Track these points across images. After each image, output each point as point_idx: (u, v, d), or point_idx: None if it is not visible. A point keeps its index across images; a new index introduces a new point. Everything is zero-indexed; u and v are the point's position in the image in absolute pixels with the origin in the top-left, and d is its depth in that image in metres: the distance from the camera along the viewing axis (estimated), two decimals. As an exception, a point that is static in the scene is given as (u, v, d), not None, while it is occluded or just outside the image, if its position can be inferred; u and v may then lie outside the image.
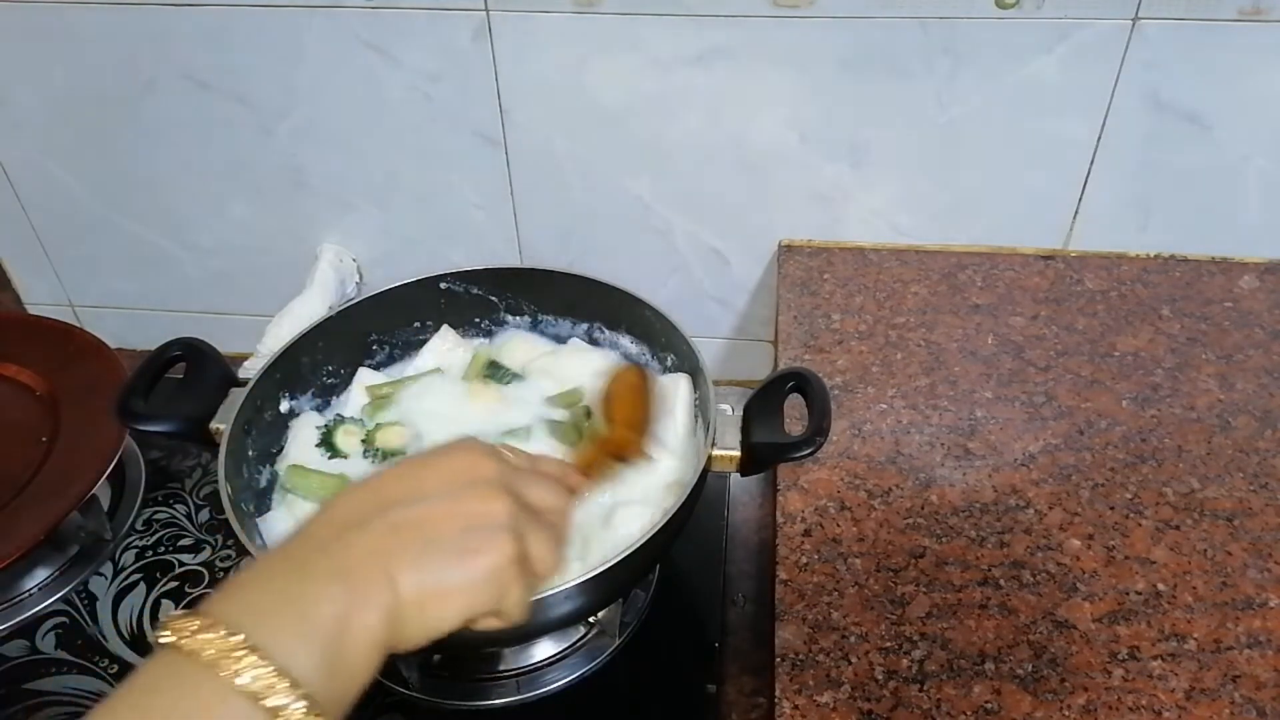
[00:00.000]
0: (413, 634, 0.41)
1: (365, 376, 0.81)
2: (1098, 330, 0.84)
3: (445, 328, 0.83)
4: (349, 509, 0.43)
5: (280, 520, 0.70)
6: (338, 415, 0.77)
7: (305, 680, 0.36)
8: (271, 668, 0.36)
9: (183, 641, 0.36)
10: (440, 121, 0.92)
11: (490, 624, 0.45)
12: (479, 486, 0.44)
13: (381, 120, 0.93)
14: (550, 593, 0.57)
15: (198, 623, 0.37)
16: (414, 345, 0.83)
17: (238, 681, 0.35)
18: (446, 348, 0.82)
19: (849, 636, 0.62)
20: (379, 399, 0.78)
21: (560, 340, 0.84)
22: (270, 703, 0.35)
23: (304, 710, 0.36)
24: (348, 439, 0.75)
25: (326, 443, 0.75)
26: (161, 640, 0.37)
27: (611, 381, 0.66)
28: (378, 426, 0.75)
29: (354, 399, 0.79)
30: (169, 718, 0.35)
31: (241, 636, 0.36)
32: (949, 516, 0.69)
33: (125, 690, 0.36)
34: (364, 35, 0.87)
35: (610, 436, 0.62)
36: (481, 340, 0.85)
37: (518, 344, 0.84)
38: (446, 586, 0.41)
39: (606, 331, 0.82)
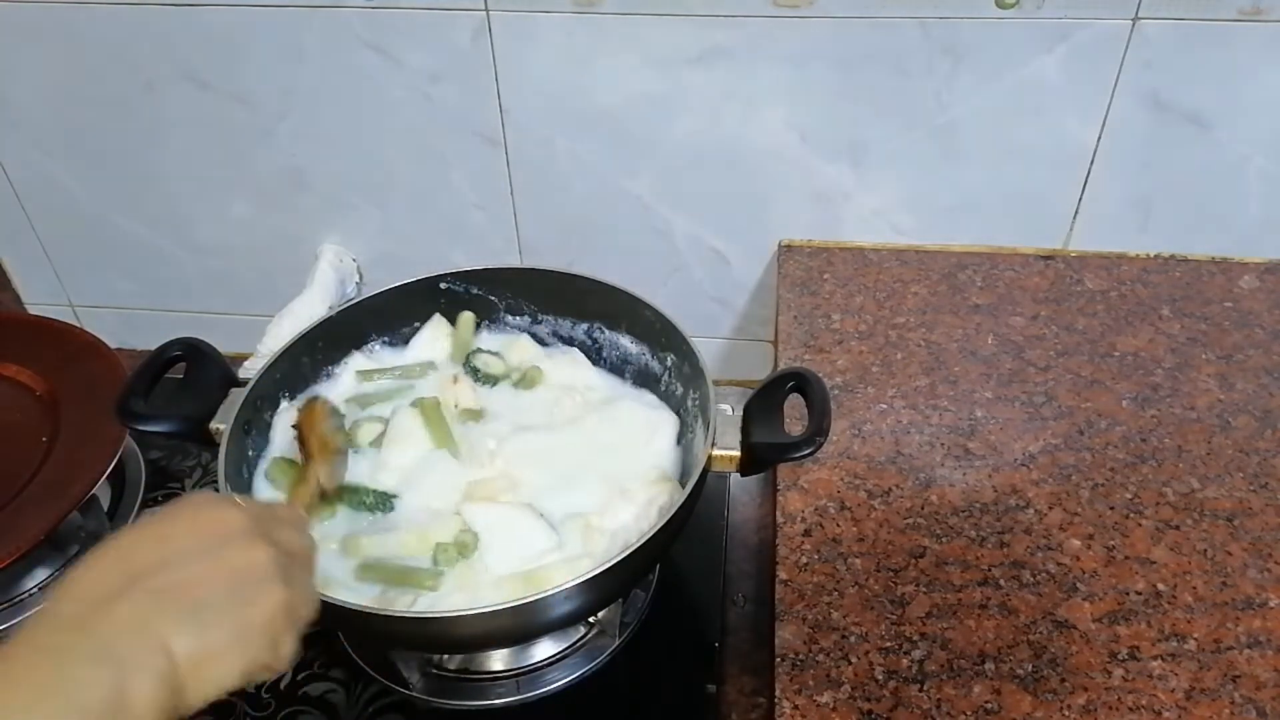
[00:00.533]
0: (194, 696, 0.40)
1: (358, 362, 0.81)
2: (1098, 330, 0.84)
3: (437, 316, 0.83)
4: (99, 583, 0.40)
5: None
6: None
7: None
8: None
9: None
10: (440, 121, 0.92)
11: (261, 676, 0.43)
12: (235, 539, 0.43)
13: (381, 120, 0.93)
14: (551, 592, 0.57)
15: None
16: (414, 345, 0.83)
17: None
18: (439, 336, 0.82)
19: (849, 636, 0.62)
20: (364, 394, 0.79)
21: (566, 342, 0.84)
22: None
23: None
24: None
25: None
26: None
27: (301, 415, 0.65)
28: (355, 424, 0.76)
29: (341, 387, 0.80)
30: None
31: None
32: (949, 516, 0.69)
33: None
34: (364, 35, 0.87)
35: (311, 472, 0.60)
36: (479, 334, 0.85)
37: (509, 343, 0.84)
38: (223, 646, 0.40)
39: (606, 331, 0.82)
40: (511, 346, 0.83)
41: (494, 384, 0.80)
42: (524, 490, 0.71)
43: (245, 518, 0.44)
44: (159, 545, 0.42)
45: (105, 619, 0.38)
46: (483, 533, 0.67)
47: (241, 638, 0.41)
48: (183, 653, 0.39)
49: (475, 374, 0.80)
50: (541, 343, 0.84)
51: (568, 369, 0.81)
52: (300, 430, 0.64)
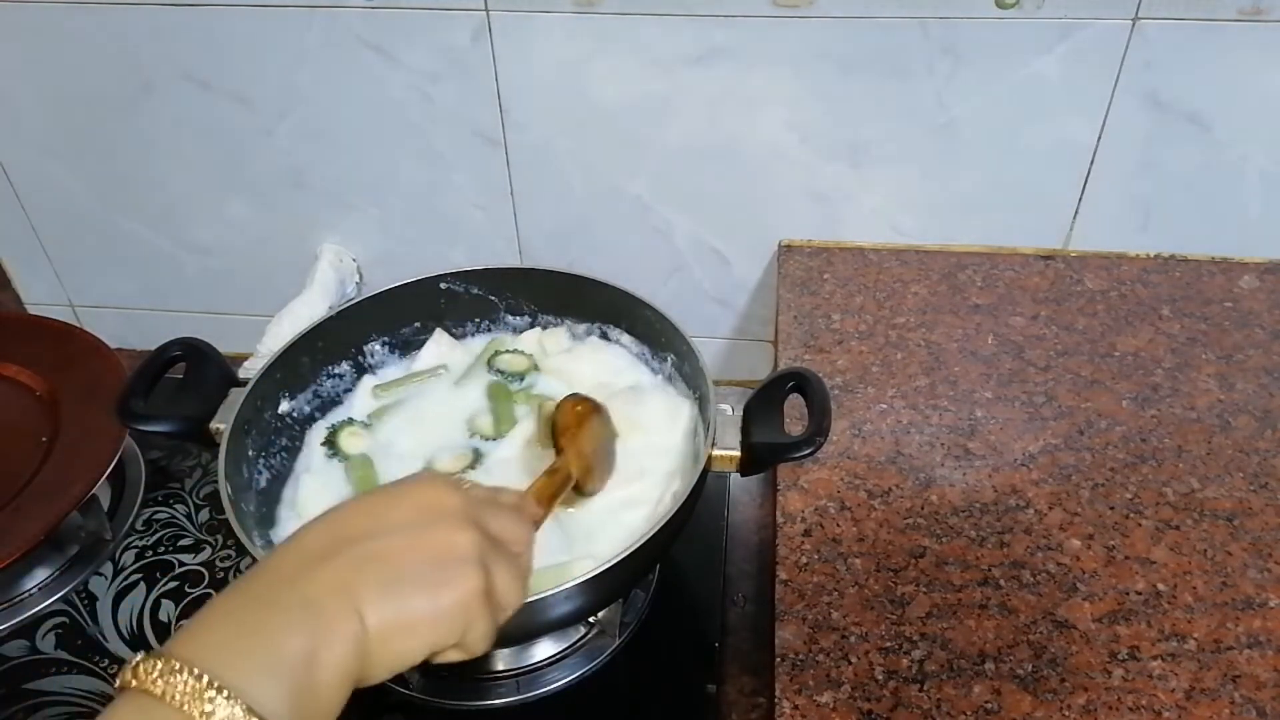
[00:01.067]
0: (379, 666, 0.41)
1: (369, 383, 0.81)
2: (1098, 330, 0.84)
3: (439, 331, 0.83)
4: (313, 543, 0.42)
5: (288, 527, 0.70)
6: (346, 418, 0.78)
7: (275, 715, 0.36)
8: (240, 705, 0.35)
9: (150, 685, 0.36)
10: (440, 121, 0.92)
11: (452, 656, 0.45)
12: (444, 519, 0.44)
13: (381, 120, 0.93)
14: (550, 593, 0.57)
15: (162, 664, 0.36)
16: (414, 345, 0.83)
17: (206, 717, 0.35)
18: (443, 350, 0.82)
19: (849, 636, 0.62)
20: (382, 408, 0.79)
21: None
22: None
23: None
24: (353, 440, 0.76)
25: (330, 444, 0.76)
26: (127, 685, 0.37)
27: (560, 411, 0.66)
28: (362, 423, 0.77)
29: (359, 402, 0.80)
30: None
31: (208, 678, 0.36)
32: (949, 516, 0.69)
33: None
34: (364, 35, 0.87)
35: (562, 466, 0.60)
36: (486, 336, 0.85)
37: (530, 338, 0.84)
38: (414, 620, 0.41)
39: (607, 331, 0.82)
40: (539, 339, 0.83)
41: (520, 380, 0.80)
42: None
43: (461, 500, 0.45)
44: (376, 516, 0.43)
45: (311, 579, 0.40)
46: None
47: (431, 616, 0.42)
48: (374, 621, 0.40)
49: (500, 375, 0.80)
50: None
51: (592, 358, 0.81)
52: (559, 421, 0.64)
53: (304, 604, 0.39)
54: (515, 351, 0.82)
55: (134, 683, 0.36)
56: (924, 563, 0.66)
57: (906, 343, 0.84)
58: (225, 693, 0.36)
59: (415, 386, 0.80)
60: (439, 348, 0.82)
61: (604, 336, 0.83)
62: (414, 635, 0.41)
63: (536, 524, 0.52)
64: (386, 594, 0.41)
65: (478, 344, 0.84)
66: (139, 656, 0.37)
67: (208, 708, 0.35)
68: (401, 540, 0.42)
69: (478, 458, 0.73)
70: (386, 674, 0.41)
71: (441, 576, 0.42)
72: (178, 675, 0.36)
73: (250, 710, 0.36)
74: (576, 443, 0.63)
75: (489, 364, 0.81)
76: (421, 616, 0.41)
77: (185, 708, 0.35)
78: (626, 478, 0.71)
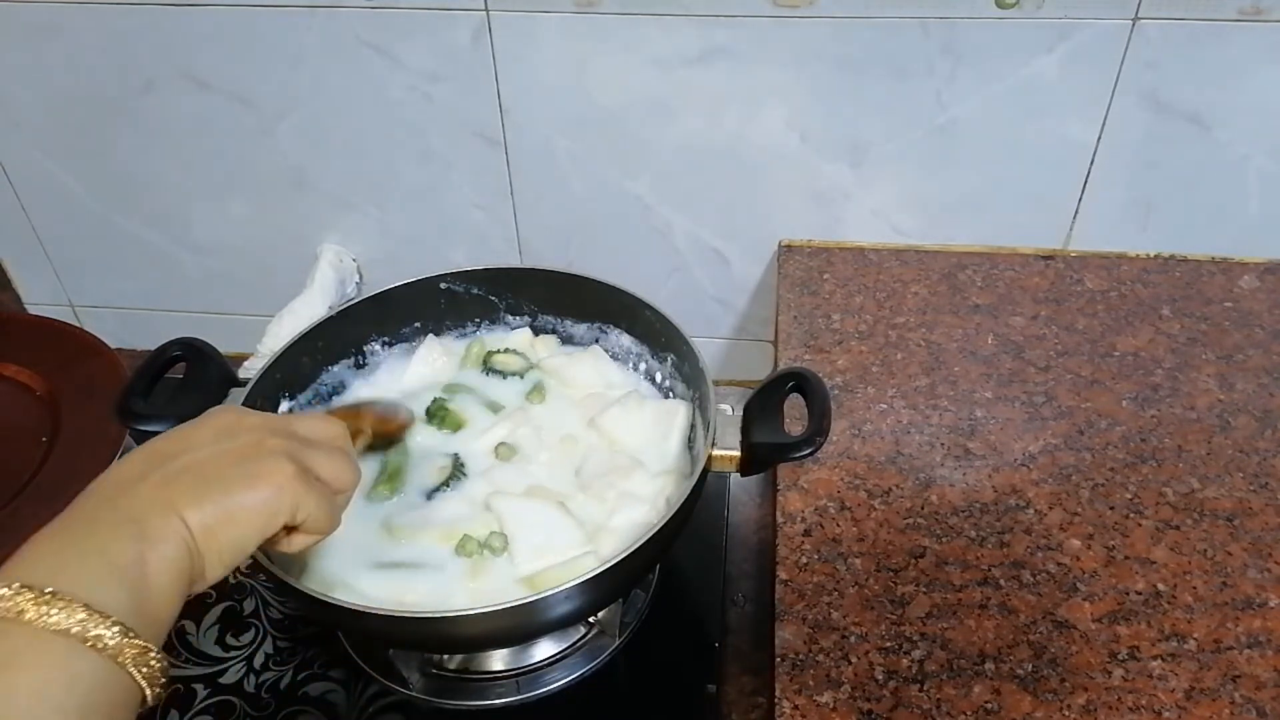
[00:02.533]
0: (212, 558, 0.45)
1: (360, 391, 0.81)
2: (1098, 330, 0.84)
3: (430, 338, 0.83)
4: (125, 470, 0.46)
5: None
6: None
7: (114, 611, 0.39)
8: (79, 605, 0.38)
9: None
10: (440, 121, 0.92)
11: (299, 541, 0.50)
12: (247, 431, 0.48)
13: (381, 120, 0.93)
14: (550, 593, 0.57)
15: None
16: (414, 346, 0.83)
17: (49, 622, 0.38)
18: (434, 357, 0.82)
19: (849, 636, 0.62)
20: None
21: (565, 341, 0.84)
22: (82, 633, 0.38)
23: (118, 633, 0.39)
24: None
25: None
26: None
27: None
28: None
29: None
30: None
31: (47, 588, 0.38)
32: (949, 516, 0.69)
33: None
34: (364, 35, 0.87)
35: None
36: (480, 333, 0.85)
37: (521, 337, 0.84)
38: (232, 510, 0.45)
39: (607, 331, 0.82)
40: (534, 344, 0.83)
41: (520, 378, 0.80)
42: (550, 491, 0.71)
43: (260, 417, 0.50)
44: (178, 440, 0.48)
45: (130, 497, 0.44)
46: (511, 527, 0.67)
47: (247, 504, 0.46)
48: (195, 519, 0.44)
49: (495, 374, 0.80)
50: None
51: (589, 366, 0.81)
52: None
53: (127, 519, 0.43)
54: (509, 351, 0.82)
55: None
56: (924, 563, 0.66)
57: (906, 343, 0.84)
58: (60, 599, 0.38)
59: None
60: (430, 353, 0.82)
61: (602, 336, 0.83)
62: (236, 524, 0.45)
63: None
64: (201, 495, 0.45)
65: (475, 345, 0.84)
66: None
67: (46, 610, 0.38)
68: (208, 452, 0.47)
69: (458, 466, 0.73)
70: (222, 568, 0.45)
71: (251, 469, 0.46)
72: (15, 596, 0.38)
73: (87, 607, 0.38)
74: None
75: (485, 365, 0.81)
76: (239, 506, 0.45)
77: (22, 616, 0.38)
78: (626, 478, 0.71)
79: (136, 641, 0.40)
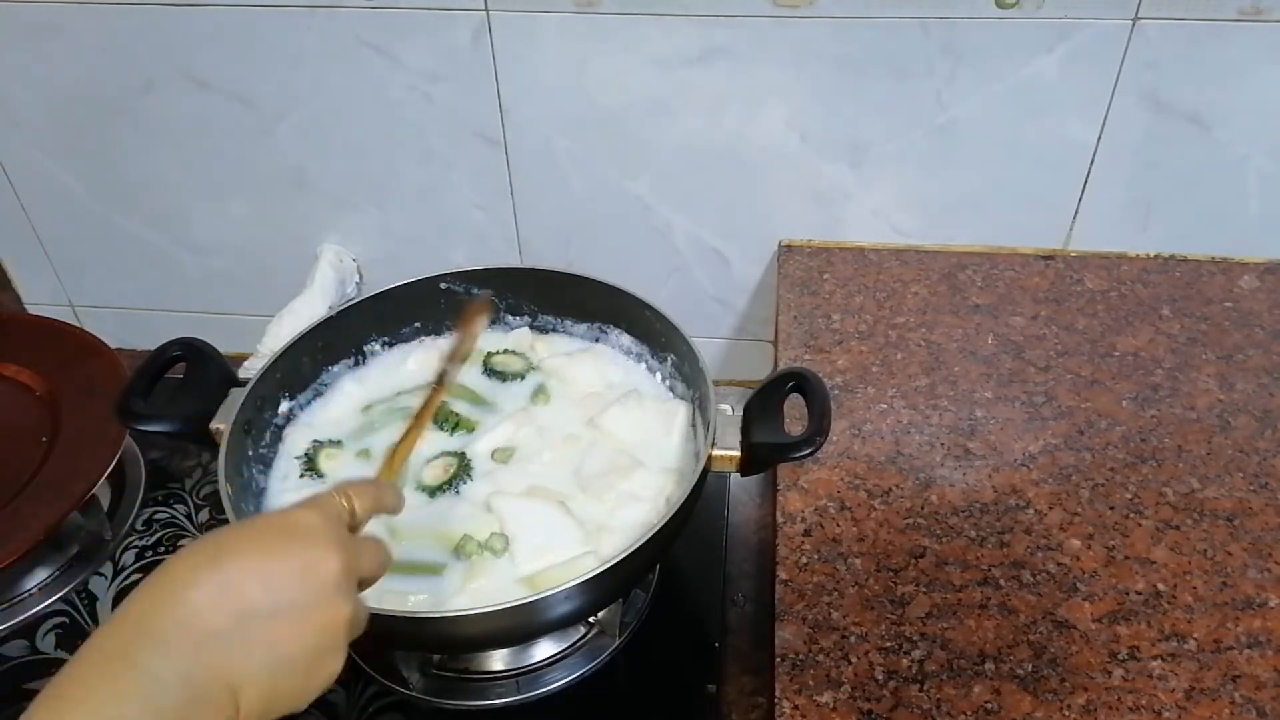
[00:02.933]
0: None
1: (349, 388, 0.80)
2: (1098, 330, 0.84)
3: (429, 340, 0.83)
4: (202, 605, 0.40)
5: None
6: (327, 439, 0.76)
7: None
8: None
9: None
10: (440, 121, 0.92)
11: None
12: (329, 597, 0.43)
13: (381, 120, 0.93)
14: (550, 593, 0.57)
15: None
16: (414, 346, 0.83)
17: None
18: (433, 358, 0.82)
19: (849, 636, 0.62)
20: (368, 424, 0.78)
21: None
22: None
23: None
24: (330, 462, 0.74)
25: (309, 464, 0.74)
26: None
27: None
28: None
29: (343, 419, 0.79)
30: None
31: None
32: (949, 516, 0.69)
33: None
34: (364, 35, 0.87)
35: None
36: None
37: (520, 340, 0.84)
38: (281, 703, 0.42)
39: (607, 331, 0.82)
40: (534, 344, 0.83)
41: (521, 379, 0.80)
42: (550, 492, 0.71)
43: (342, 568, 0.44)
44: (263, 585, 0.42)
45: (198, 657, 0.39)
46: (512, 527, 0.67)
47: (298, 699, 0.43)
48: (247, 703, 0.40)
49: (496, 375, 0.80)
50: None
51: (589, 366, 0.81)
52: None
53: (185, 683, 0.38)
54: (509, 352, 0.82)
55: None
56: (924, 563, 0.66)
57: (906, 343, 0.84)
58: None
59: (404, 399, 0.79)
60: (429, 355, 0.82)
61: (603, 336, 0.83)
62: (280, 710, 0.42)
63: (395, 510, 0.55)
64: (268, 684, 0.41)
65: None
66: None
67: None
68: (287, 620, 0.42)
69: (463, 467, 0.73)
70: None
71: (316, 662, 0.43)
72: None
73: None
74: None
75: (484, 365, 0.81)
76: (288, 700, 0.42)
77: None
78: (626, 478, 0.71)
79: None
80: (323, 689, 0.44)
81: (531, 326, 0.85)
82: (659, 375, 0.80)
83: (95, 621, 0.80)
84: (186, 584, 0.40)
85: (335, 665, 0.44)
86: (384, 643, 0.73)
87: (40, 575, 0.83)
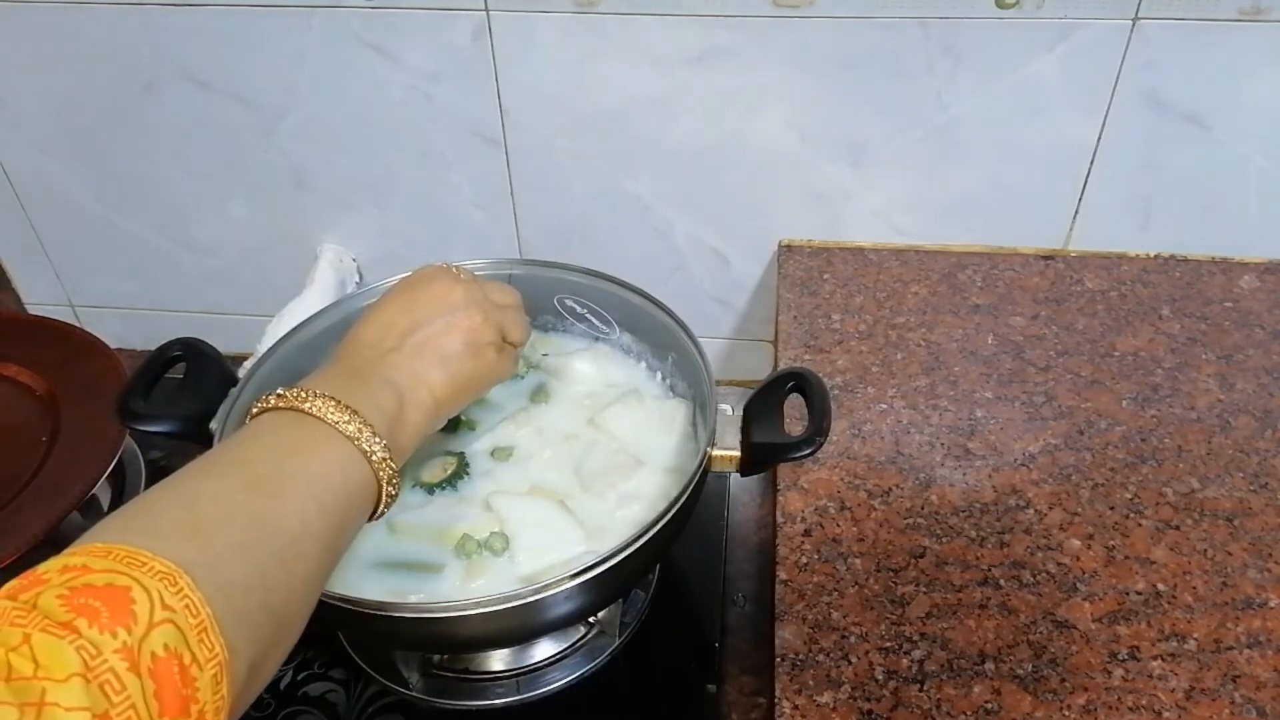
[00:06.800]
0: (446, 410, 0.58)
1: None
2: (1098, 330, 0.84)
3: None
4: (377, 336, 0.57)
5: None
6: None
7: (383, 437, 0.51)
8: (364, 422, 0.50)
9: (297, 402, 0.49)
10: (440, 121, 0.92)
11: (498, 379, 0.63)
12: (461, 307, 0.59)
13: (381, 120, 0.93)
14: (551, 593, 0.57)
15: (303, 393, 0.50)
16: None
17: (342, 426, 0.49)
18: None
19: (849, 636, 0.62)
20: None
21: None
22: (362, 442, 0.50)
23: (383, 450, 0.50)
24: None
25: None
26: (267, 407, 0.50)
27: None
28: None
29: None
30: (287, 448, 0.48)
31: (344, 401, 0.50)
32: (949, 516, 0.69)
33: (245, 436, 0.49)
34: (364, 35, 0.87)
35: None
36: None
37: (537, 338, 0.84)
38: (463, 383, 0.59)
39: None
40: (533, 343, 0.83)
41: (521, 378, 0.80)
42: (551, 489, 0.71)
43: (464, 290, 0.60)
44: (409, 314, 0.58)
45: (388, 364, 0.56)
46: (512, 527, 0.67)
47: (475, 376, 0.59)
48: (440, 391, 0.57)
49: None
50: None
51: (590, 365, 0.81)
52: None
53: (386, 382, 0.54)
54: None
55: (278, 404, 0.50)
56: (924, 563, 0.66)
57: (906, 343, 0.84)
58: (349, 411, 0.50)
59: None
60: None
61: (602, 335, 0.83)
62: (466, 392, 0.59)
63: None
64: (443, 369, 0.57)
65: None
66: (276, 391, 0.51)
67: (338, 417, 0.49)
68: (437, 329, 0.58)
69: (463, 465, 0.73)
70: (456, 410, 0.60)
71: (474, 348, 0.59)
72: (318, 399, 0.50)
73: (370, 427, 0.50)
74: None
75: None
76: (468, 378, 0.59)
77: (329, 417, 0.49)
78: (627, 477, 0.71)
79: (391, 464, 0.51)
80: (493, 377, 0.61)
81: (531, 325, 0.85)
82: (659, 375, 0.80)
83: (95, 621, 0.80)
84: (358, 333, 0.59)
85: (491, 356, 0.60)
86: (384, 642, 0.73)
87: (40, 575, 0.83)
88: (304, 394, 0.50)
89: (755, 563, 0.85)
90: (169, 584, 0.36)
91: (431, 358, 0.57)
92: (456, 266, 0.64)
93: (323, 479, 0.47)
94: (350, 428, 0.49)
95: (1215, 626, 0.61)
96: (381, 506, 0.52)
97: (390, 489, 0.51)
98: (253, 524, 0.43)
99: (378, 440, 0.50)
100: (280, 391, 0.50)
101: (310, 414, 0.49)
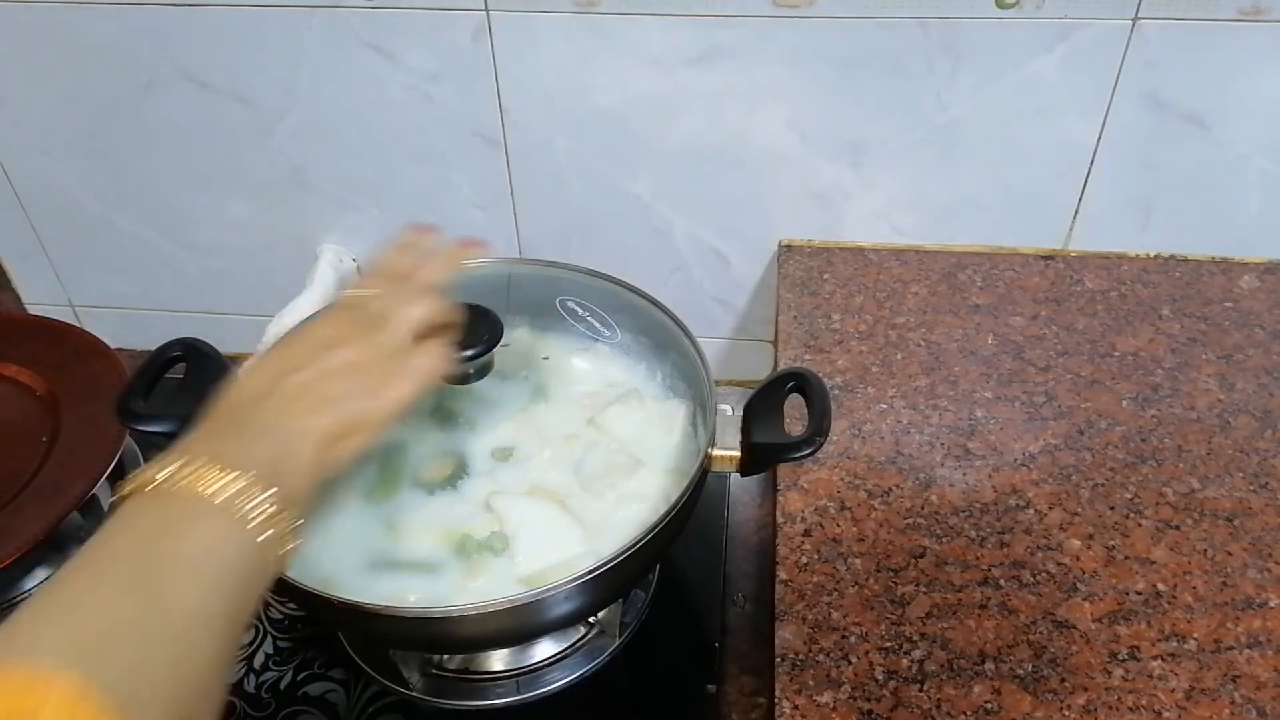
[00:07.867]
0: (353, 443, 0.52)
1: None
2: (1098, 330, 0.84)
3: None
4: (245, 390, 0.53)
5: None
6: None
7: (265, 486, 0.46)
8: (240, 476, 0.45)
9: (155, 482, 0.45)
10: (440, 121, 0.92)
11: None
12: (339, 348, 0.54)
13: (381, 120, 0.93)
14: (551, 593, 0.57)
15: (159, 469, 0.46)
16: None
17: (209, 499, 0.45)
18: None
19: (849, 636, 0.62)
20: None
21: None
22: (239, 509, 0.45)
23: (266, 504, 0.46)
24: None
25: None
26: (124, 494, 0.46)
27: None
28: None
29: None
30: (150, 536, 0.44)
31: (215, 464, 0.46)
32: (949, 516, 0.69)
33: (111, 529, 0.44)
34: (364, 35, 0.87)
35: None
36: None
37: (519, 339, 0.83)
38: (360, 416, 0.53)
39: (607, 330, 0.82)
40: (533, 343, 0.83)
41: (520, 378, 0.80)
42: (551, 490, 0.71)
43: (347, 329, 0.56)
44: (286, 358, 0.54)
45: (258, 410, 0.51)
46: (512, 527, 0.67)
47: (372, 413, 0.53)
48: (330, 426, 0.51)
49: (495, 374, 0.79)
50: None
51: (589, 365, 0.81)
52: None
53: (263, 429, 0.50)
54: (504, 345, 0.81)
55: (136, 488, 0.46)
56: (924, 563, 0.66)
57: (906, 343, 0.84)
58: (229, 471, 0.45)
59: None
60: None
61: (602, 335, 0.83)
62: (371, 426, 0.53)
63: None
64: (330, 412, 0.52)
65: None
66: (137, 471, 0.46)
67: (212, 492, 0.45)
68: (313, 374, 0.53)
69: (461, 465, 0.73)
70: (368, 445, 0.53)
71: (363, 387, 0.53)
72: (182, 471, 0.45)
73: (246, 482, 0.45)
74: None
75: None
76: (366, 413, 0.53)
77: (196, 489, 0.45)
78: (627, 477, 0.71)
79: (283, 516, 0.46)
80: (410, 394, 0.55)
81: (532, 325, 0.85)
82: (659, 374, 0.80)
83: (95, 621, 0.80)
84: (234, 389, 0.54)
85: (399, 383, 0.54)
86: (384, 642, 0.73)
87: (40, 575, 0.83)
88: (165, 469, 0.46)
89: (755, 563, 0.85)
90: (79, 699, 0.35)
91: (313, 402, 0.52)
92: (371, 290, 0.59)
93: (203, 556, 0.44)
94: (220, 497, 0.45)
95: (1215, 626, 0.61)
96: (283, 560, 0.48)
97: (290, 539, 0.47)
98: (138, 624, 0.40)
99: (259, 494, 0.46)
100: (140, 471, 0.46)
101: (170, 492, 0.45)
